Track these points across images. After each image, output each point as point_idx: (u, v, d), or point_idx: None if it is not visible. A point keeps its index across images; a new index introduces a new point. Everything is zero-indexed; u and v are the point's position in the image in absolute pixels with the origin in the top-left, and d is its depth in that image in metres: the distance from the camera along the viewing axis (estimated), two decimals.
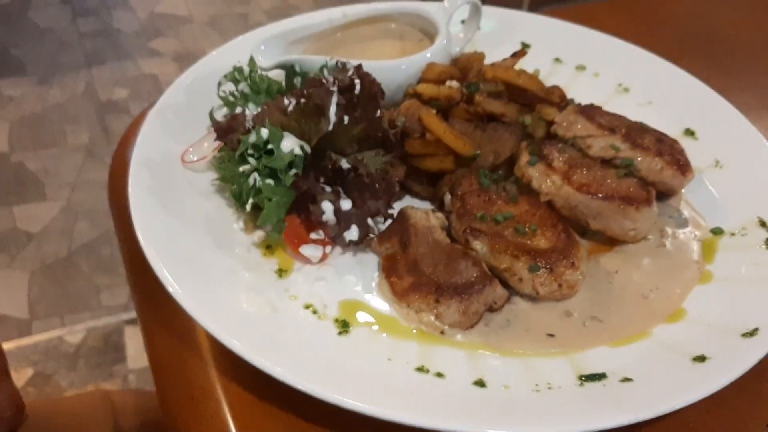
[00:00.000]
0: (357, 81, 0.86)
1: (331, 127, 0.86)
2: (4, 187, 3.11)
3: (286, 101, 0.86)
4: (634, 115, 1.03)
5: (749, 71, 1.32)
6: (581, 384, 0.72)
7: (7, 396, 0.91)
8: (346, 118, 0.86)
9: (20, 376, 2.39)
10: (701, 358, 0.74)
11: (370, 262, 0.86)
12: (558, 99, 1.02)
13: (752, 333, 0.76)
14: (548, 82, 1.07)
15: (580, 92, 1.09)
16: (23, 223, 2.98)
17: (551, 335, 0.79)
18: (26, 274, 2.79)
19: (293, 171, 0.84)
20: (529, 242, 0.83)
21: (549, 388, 0.72)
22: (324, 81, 0.86)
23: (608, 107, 1.03)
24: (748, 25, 1.46)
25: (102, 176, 3.39)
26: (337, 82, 0.86)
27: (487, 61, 1.09)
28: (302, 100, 0.85)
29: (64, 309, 2.67)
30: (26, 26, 4.07)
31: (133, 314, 2.66)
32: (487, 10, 1.23)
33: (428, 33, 1.11)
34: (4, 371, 0.91)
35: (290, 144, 0.84)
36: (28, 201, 3.07)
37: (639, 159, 0.91)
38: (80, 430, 1.11)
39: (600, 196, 0.86)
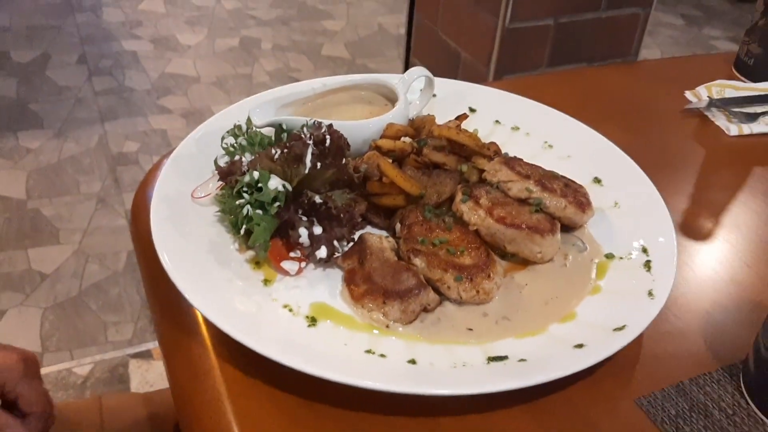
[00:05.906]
0: (328, 136, 1.13)
1: (307, 171, 1.12)
2: (20, 231, 3.34)
3: (273, 151, 1.13)
4: (555, 166, 1.29)
5: (654, 133, 1.60)
6: (488, 363, 0.96)
7: (39, 395, 1.05)
8: (319, 165, 1.12)
9: None
10: (580, 345, 0.98)
11: (335, 274, 1.11)
12: (492, 153, 1.28)
13: (621, 328, 1.00)
14: (488, 139, 1.34)
15: (513, 148, 1.36)
16: (37, 264, 3.20)
17: (470, 329, 1.03)
18: (39, 311, 2.99)
19: (277, 204, 1.09)
20: (457, 260, 1.08)
21: (464, 365, 0.96)
22: (302, 136, 1.13)
23: (535, 160, 1.29)
24: (659, 95, 1.75)
25: (112, 222, 3.63)
26: (312, 137, 1.13)
27: (438, 122, 1.36)
28: (285, 150, 1.12)
29: (73, 343, 2.87)
30: (45, 84, 4.36)
31: (137, 348, 2.86)
32: (443, 81, 1.51)
33: (391, 99, 1.39)
34: (35, 374, 1.09)
35: (275, 183, 1.10)
36: (42, 244, 3.29)
37: (547, 199, 1.17)
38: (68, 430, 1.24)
39: (514, 226, 1.12)
